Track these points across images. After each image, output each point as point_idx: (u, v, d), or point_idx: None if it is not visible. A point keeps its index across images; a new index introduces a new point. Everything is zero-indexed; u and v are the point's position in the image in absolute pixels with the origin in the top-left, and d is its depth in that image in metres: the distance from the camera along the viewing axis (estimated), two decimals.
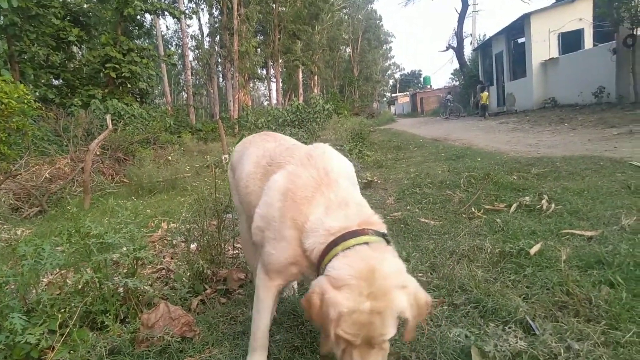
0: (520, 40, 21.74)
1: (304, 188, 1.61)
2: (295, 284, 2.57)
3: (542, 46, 19.03)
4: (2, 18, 14.78)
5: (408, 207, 4.43)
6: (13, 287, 2.32)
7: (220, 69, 38.74)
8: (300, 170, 1.68)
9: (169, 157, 10.57)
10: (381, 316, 1.28)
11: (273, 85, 42.59)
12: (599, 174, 4.90)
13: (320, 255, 1.48)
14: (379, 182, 6.01)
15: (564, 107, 16.51)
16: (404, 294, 1.32)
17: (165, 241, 3.81)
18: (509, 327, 1.78)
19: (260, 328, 1.79)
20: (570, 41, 18.67)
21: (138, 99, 19.36)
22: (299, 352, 1.95)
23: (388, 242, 1.49)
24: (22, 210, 6.87)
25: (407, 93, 59.51)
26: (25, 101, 9.17)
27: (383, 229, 1.54)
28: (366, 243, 1.41)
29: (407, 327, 1.37)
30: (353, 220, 1.49)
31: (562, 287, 2.20)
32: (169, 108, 24.13)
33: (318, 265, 1.49)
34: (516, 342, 1.67)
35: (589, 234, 2.97)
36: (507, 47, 22.29)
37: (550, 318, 1.98)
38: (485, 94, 22.45)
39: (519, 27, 20.48)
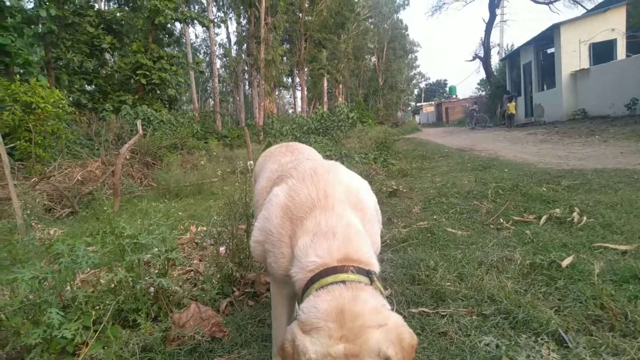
0: (549, 51, 21.36)
1: (300, 208, 1.53)
2: None
3: (572, 57, 18.65)
4: (40, 26, 15.40)
5: (434, 217, 4.40)
6: (50, 283, 2.40)
7: (246, 76, 39.27)
8: (300, 186, 1.60)
9: (199, 162, 10.75)
10: (356, 357, 1.16)
11: (298, 94, 42.95)
12: (633, 187, 4.77)
13: (302, 291, 1.40)
14: (404, 191, 5.99)
15: (594, 119, 16.11)
16: (381, 332, 1.19)
17: (195, 244, 3.88)
18: (541, 339, 1.76)
19: (279, 336, 1.78)
20: (601, 52, 18.25)
21: (167, 105, 19.79)
22: None
23: (372, 280, 1.35)
24: (55, 210, 7.08)
25: (432, 102, 59.11)
26: (60, 106, 9.52)
27: (372, 264, 1.42)
28: (343, 282, 1.29)
29: None
30: (334, 255, 1.37)
31: (596, 300, 2.15)
32: (196, 114, 24.56)
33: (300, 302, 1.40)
34: (549, 354, 1.64)
35: (623, 247, 2.89)
36: (536, 58, 21.93)
37: (584, 332, 1.94)
38: (513, 104, 22.15)
39: (548, 38, 20.15)
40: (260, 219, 1.68)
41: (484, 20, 30.50)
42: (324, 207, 1.51)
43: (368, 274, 1.36)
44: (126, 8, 20.62)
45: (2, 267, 3.49)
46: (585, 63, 18.49)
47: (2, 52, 11.36)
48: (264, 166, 2.25)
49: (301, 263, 1.41)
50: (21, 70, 12.54)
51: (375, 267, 1.44)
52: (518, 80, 25.14)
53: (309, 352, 1.16)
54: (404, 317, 2.21)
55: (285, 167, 1.90)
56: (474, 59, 34.32)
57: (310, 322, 1.20)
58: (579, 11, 20.50)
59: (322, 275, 1.34)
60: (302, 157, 2.16)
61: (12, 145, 8.74)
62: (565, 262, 2.62)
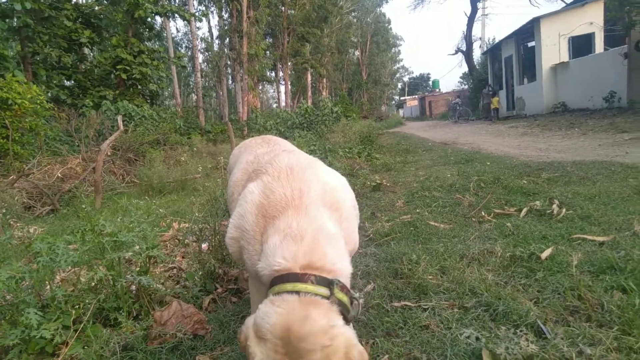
0: (530, 44, 21.65)
1: (274, 206, 1.51)
2: None
3: (552, 50, 18.93)
4: (15, 20, 14.99)
5: (417, 210, 4.44)
6: (28, 283, 2.35)
7: (229, 71, 38.89)
8: (275, 184, 1.57)
9: (180, 158, 10.63)
10: None
11: (282, 88, 42.73)
12: (611, 179, 4.87)
13: (267, 286, 1.39)
14: (387, 185, 6.02)
15: (574, 112, 16.40)
16: (323, 355, 1.16)
17: (177, 240, 3.85)
18: (520, 331, 1.79)
19: None
20: (580, 45, 18.55)
21: (148, 101, 19.50)
22: None
23: (331, 291, 1.30)
24: (35, 208, 6.95)
25: (416, 96, 59.50)
26: (38, 102, 9.32)
27: (337, 271, 1.38)
28: (298, 293, 1.26)
29: None
30: (298, 261, 1.34)
31: (574, 291, 2.20)
32: (179, 110, 24.24)
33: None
34: (527, 346, 1.67)
35: (600, 239, 2.95)
36: (517, 51, 22.19)
37: (562, 322, 1.97)
38: (497, 98, 22.48)
39: (528, 31, 20.41)
40: (236, 216, 1.66)
41: (465, 14, 30.79)
42: (297, 207, 1.49)
43: (329, 284, 1.32)
44: (105, 1, 20.19)
45: None
46: (565, 56, 18.79)
47: None
48: (239, 158, 2.20)
49: (268, 260, 1.39)
50: None
51: (344, 272, 1.41)
52: (500, 73, 25.43)
53: (256, 358, 1.19)
54: (387, 312, 2.23)
55: (261, 159, 1.86)
56: (456, 52, 34.59)
57: (261, 331, 1.21)
58: (559, 5, 20.79)
59: (282, 280, 1.32)
60: (278, 148, 2.12)
61: None
62: (544, 254, 2.67)
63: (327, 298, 1.28)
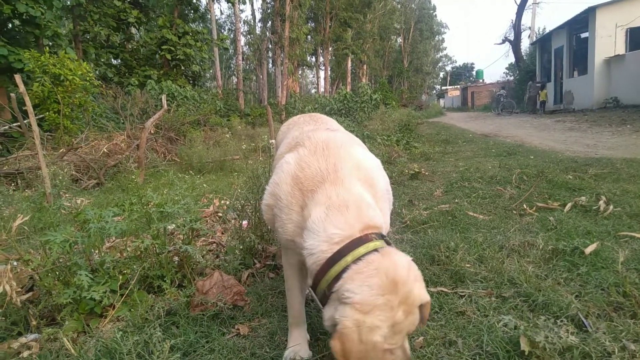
0: (583, 35, 20.61)
1: (311, 180, 1.57)
2: None
3: (608, 42, 17.96)
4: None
5: (456, 200, 4.38)
6: (80, 247, 2.49)
7: (270, 54, 39.13)
8: (311, 158, 1.63)
9: (222, 139, 10.84)
10: (412, 313, 1.34)
11: (321, 73, 42.60)
12: None
13: (323, 265, 1.43)
14: (426, 174, 5.95)
15: (627, 108, 15.58)
16: (418, 285, 1.38)
17: (218, 217, 3.96)
18: (561, 321, 1.76)
19: (293, 306, 1.87)
20: (639, 37, 17.53)
21: (191, 81, 19.93)
22: None
23: (388, 242, 1.47)
24: (81, 181, 7.27)
25: (458, 86, 57.96)
26: (88, 79, 9.70)
27: (383, 229, 1.53)
28: (375, 250, 1.38)
29: (426, 307, 1.44)
30: (355, 227, 1.44)
31: (619, 288, 2.13)
32: (220, 91, 24.66)
33: (318, 276, 1.45)
34: (567, 337, 1.64)
35: None
36: (569, 42, 21.20)
37: (605, 318, 1.92)
38: (545, 91, 21.71)
39: (582, 21, 19.41)
40: (271, 184, 1.73)
41: (515, 2, 29.59)
42: (333, 181, 1.55)
43: (382, 237, 1.48)
44: None
45: (35, 230, 3.64)
46: (620, 49, 17.80)
47: (32, 24, 11.55)
48: (286, 134, 2.26)
49: (320, 236, 1.46)
50: (50, 43, 12.76)
51: (386, 228, 1.58)
52: (548, 65, 24.42)
53: (383, 328, 1.28)
54: None
55: (304, 135, 1.90)
56: (503, 42, 33.41)
57: (369, 301, 1.29)
58: None
59: (351, 247, 1.40)
60: (323, 126, 2.16)
61: (41, 116, 8.98)
62: (588, 249, 2.59)
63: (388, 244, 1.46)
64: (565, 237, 2.94)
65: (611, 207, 3.58)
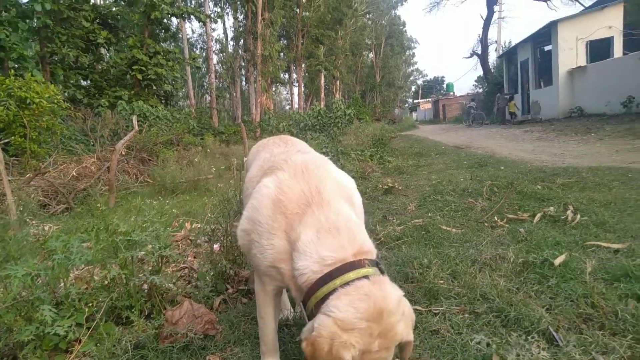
0: (547, 48, 21.39)
1: (295, 203, 1.56)
2: (288, 306, 2.49)
3: (570, 54, 18.68)
4: (35, 20, 15.28)
5: (429, 214, 4.41)
6: (43, 280, 2.39)
7: (243, 72, 39.17)
8: (292, 182, 1.62)
9: (194, 159, 10.73)
10: (387, 349, 1.34)
11: (295, 90, 42.84)
12: (627, 185, 4.80)
13: (312, 284, 1.43)
14: (400, 188, 5.99)
15: (590, 117, 16.16)
16: (403, 322, 1.37)
17: (189, 240, 3.88)
18: (532, 337, 1.77)
19: (267, 333, 1.82)
20: (598, 49, 18.27)
21: (163, 101, 19.75)
22: None
23: (382, 270, 1.47)
24: (50, 207, 7.05)
25: (430, 99, 59.11)
26: (55, 101, 9.48)
27: (373, 254, 1.52)
28: (366, 277, 1.38)
29: (407, 346, 1.44)
30: (347, 250, 1.44)
31: (587, 299, 2.17)
32: (193, 110, 24.50)
33: (307, 295, 1.45)
34: (539, 353, 1.65)
35: (615, 246, 2.91)
36: (533, 55, 21.95)
37: (574, 330, 1.95)
38: (512, 102, 22.36)
39: (545, 35, 20.16)
40: (249, 209, 1.70)
41: (482, 17, 30.57)
42: (319, 203, 1.55)
43: (376, 264, 1.47)
44: (122, 2, 20.44)
45: None
46: (582, 60, 18.53)
47: None
48: (256, 156, 2.24)
49: (313, 257, 1.45)
50: (16, 65, 12.45)
51: (374, 253, 1.54)
52: (515, 77, 25.18)
53: (355, 348, 1.27)
54: None
55: (277, 158, 1.89)
56: (471, 55, 34.38)
57: (351, 322, 1.30)
58: (577, 8, 20.58)
59: (343, 271, 1.40)
60: (294, 149, 2.15)
61: (6, 140, 8.69)
62: (557, 261, 2.63)
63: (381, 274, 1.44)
64: (535, 248, 2.99)
65: (578, 216, 3.66)
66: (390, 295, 1.36)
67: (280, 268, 1.58)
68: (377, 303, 1.31)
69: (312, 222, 1.50)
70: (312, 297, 1.43)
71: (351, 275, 1.38)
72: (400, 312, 1.35)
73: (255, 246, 1.64)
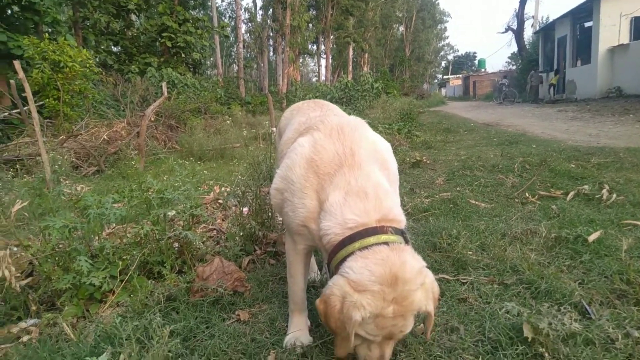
0: (587, 24, 20.40)
1: (328, 164, 1.56)
2: (316, 269, 2.52)
3: (612, 31, 17.78)
4: None
5: (458, 189, 4.35)
6: (80, 233, 2.47)
7: (271, 42, 38.84)
8: (327, 142, 1.61)
9: (222, 127, 10.79)
10: (403, 317, 1.33)
11: (323, 62, 42.36)
12: None
13: (334, 246, 1.45)
14: (427, 162, 5.91)
15: (630, 98, 15.47)
16: (422, 291, 1.35)
17: (218, 203, 3.94)
18: (564, 309, 1.74)
19: (296, 292, 1.84)
20: None
21: (191, 69, 19.82)
22: None
23: (406, 240, 1.47)
24: (82, 168, 7.24)
25: (460, 76, 57.60)
26: (88, 65, 9.60)
27: (402, 224, 1.51)
28: (385, 243, 1.38)
29: (428, 320, 1.46)
30: (372, 216, 1.44)
31: (622, 276, 2.12)
32: (220, 79, 24.50)
33: (330, 256, 1.47)
34: (571, 323, 1.62)
35: None
36: (572, 31, 20.99)
37: (608, 305, 1.91)
38: (556, 76, 21.73)
39: (587, 10, 19.20)
40: (283, 167, 1.70)
41: None
42: (351, 165, 1.54)
43: (402, 233, 1.46)
44: None
45: (34, 216, 3.62)
46: (625, 38, 17.63)
47: (31, 10, 11.41)
48: (290, 120, 2.24)
49: (336, 219, 1.46)
50: (50, 29, 12.62)
51: (403, 222, 1.52)
52: (551, 54, 24.22)
53: (365, 310, 1.28)
54: None
55: (313, 120, 1.89)
56: (506, 31, 33.16)
57: (364, 284, 1.30)
58: None
59: (363, 235, 1.40)
60: (330, 112, 2.13)
61: (41, 103, 8.90)
62: (592, 237, 2.57)
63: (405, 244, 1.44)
64: (568, 225, 2.92)
65: (614, 195, 3.55)
66: (408, 263, 1.34)
67: (310, 227, 1.58)
68: (393, 269, 1.30)
69: (341, 183, 1.50)
70: (334, 258, 1.45)
71: (371, 240, 1.39)
72: (418, 282, 1.34)
73: (287, 205, 1.65)
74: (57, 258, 2.39)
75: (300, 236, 1.69)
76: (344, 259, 1.40)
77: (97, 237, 2.59)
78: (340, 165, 1.54)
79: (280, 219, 2.88)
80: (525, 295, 2.04)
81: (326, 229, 1.48)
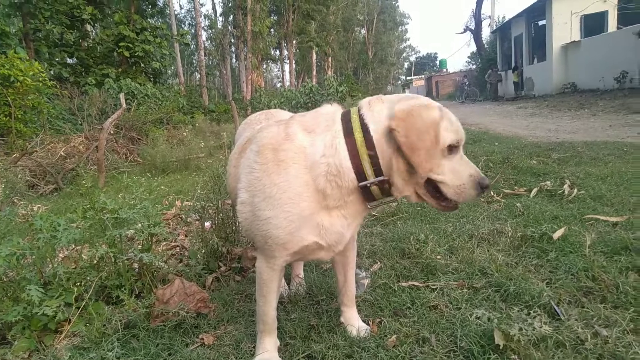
0: (541, 23, 21.13)
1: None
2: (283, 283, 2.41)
3: (564, 29, 18.48)
4: None
5: None
6: (30, 260, 2.32)
7: (233, 49, 38.51)
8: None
9: (185, 137, 10.57)
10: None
11: (286, 67, 42.26)
12: (622, 159, 4.77)
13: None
14: None
15: (584, 93, 16.09)
16: None
17: (180, 219, 3.79)
18: (533, 311, 1.72)
19: (267, 312, 1.74)
20: (593, 24, 18.10)
21: (151, 79, 19.33)
22: (315, 331, 1.92)
23: None
24: (38, 187, 6.92)
25: (423, 76, 58.63)
26: (40, 79, 9.22)
27: None
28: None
29: None
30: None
31: (588, 272, 2.13)
32: (182, 88, 24.04)
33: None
34: (541, 327, 1.60)
35: (614, 219, 2.88)
36: (527, 30, 21.71)
37: (576, 304, 1.91)
38: (515, 73, 22.51)
39: (540, 9, 19.89)
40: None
41: None
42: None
43: None
44: None
45: None
46: (576, 35, 18.36)
47: None
48: (242, 134, 2.21)
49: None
50: None
51: None
52: (509, 53, 24.98)
53: (436, 111, 1.49)
54: (394, 291, 2.18)
55: (255, 132, 1.84)
56: (464, 31, 33.89)
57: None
58: None
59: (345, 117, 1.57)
60: (273, 120, 2.06)
61: None
62: (556, 234, 2.59)
63: None
64: (533, 223, 2.95)
65: (575, 190, 3.63)
66: None
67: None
68: None
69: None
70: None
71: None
72: None
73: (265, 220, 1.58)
74: (5, 288, 2.22)
75: (288, 243, 1.56)
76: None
77: (50, 263, 2.42)
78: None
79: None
80: (495, 299, 2.02)
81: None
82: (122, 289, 2.32)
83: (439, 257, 2.55)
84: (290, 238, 1.53)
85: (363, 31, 55.50)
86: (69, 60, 18.40)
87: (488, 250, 2.56)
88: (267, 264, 1.66)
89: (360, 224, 1.77)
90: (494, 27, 31.52)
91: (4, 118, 8.53)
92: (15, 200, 5.81)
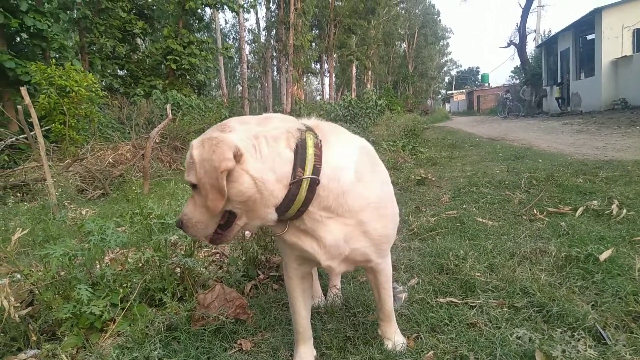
0: (589, 37, 20.44)
1: None
2: (320, 294, 2.44)
3: (614, 43, 17.79)
4: (75, 11, 15.71)
5: (464, 206, 4.29)
6: (80, 260, 2.44)
7: (275, 62, 39.28)
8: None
9: None
10: None
11: (326, 80, 42.70)
12: None
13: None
14: (433, 179, 5.86)
15: (635, 109, 15.36)
16: None
17: None
18: (578, 334, 1.67)
19: (297, 321, 1.80)
20: None
21: (196, 90, 19.98)
22: (351, 343, 1.93)
23: None
24: (87, 192, 7.25)
25: (464, 91, 57.70)
26: (93, 90, 9.71)
27: None
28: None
29: None
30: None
31: (637, 296, 2.04)
32: (225, 100, 24.73)
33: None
34: (585, 350, 1.55)
35: None
36: (575, 44, 21.03)
37: (624, 329, 1.84)
38: (558, 88, 21.75)
39: (588, 23, 19.26)
40: None
41: (520, 5, 29.47)
42: None
43: None
44: None
45: (35, 243, 3.60)
46: (628, 50, 17.62)
47: (39, 37, 11.63)
48: None
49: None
50: (57, 55, 12.83)
51: None
52: (555, 67, 24.24)
53: None
54: (431, 307, 2.16)
55: None
56: (508, 45, 33.23)
57: None
58: None
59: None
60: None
61: (47, 127, 8.99)
62: (603, 256, 2.49)
63: None
64: (578, 243, 2.84)
65: (624, 210, 3.48)
66: None
67: None
68: None
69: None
70: None
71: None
72: None
73: None
74: (57, 287, 2.35)
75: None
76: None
77: (98, 264, 2.55)
78: None
79: None
80: (536, 319, 1.97)
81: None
82: (165, 292, 2.41)
83: (478, 274, 2.51)
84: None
85: (404, 45, 55.42)
86: (120, 72, 19.35)
87: (530, 269, 2.49)
88: (285, 271, 1.75)
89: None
90: (539, 42, 30.78)
91: (59, 126, 9.03)
92: (66, 203, 6.11)
